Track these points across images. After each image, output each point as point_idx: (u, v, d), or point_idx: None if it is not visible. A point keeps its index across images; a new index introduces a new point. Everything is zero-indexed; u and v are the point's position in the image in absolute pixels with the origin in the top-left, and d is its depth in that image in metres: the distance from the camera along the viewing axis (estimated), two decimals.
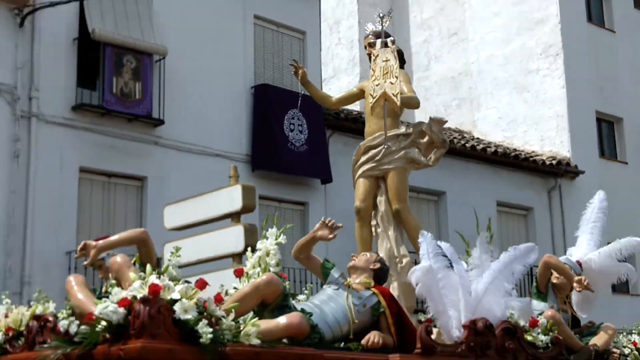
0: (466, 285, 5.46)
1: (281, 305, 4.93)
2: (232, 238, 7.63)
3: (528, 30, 20.84)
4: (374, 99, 6.75)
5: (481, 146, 18.54)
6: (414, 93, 7.15)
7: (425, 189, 17.41)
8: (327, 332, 5.04)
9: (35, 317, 4.79)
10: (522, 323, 5.70)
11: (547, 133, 20.16)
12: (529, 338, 5.70)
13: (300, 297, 6.22)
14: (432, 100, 22.38)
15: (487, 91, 21.44)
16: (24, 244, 12.07)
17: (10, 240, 11.94)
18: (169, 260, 4.39)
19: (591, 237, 7.52)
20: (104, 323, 4.09)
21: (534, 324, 5.81)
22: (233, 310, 4.49)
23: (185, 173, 13.39)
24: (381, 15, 7.36)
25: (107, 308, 4.08)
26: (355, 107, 20.61)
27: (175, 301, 4.10)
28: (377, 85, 6.74)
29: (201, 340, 4.02)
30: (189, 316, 4.08)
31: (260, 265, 5.87)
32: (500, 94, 21.17)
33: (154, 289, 4.05)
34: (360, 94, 7.34)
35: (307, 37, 16.50)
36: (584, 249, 7.43)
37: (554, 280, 6.83)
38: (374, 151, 6.82)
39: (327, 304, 5.23)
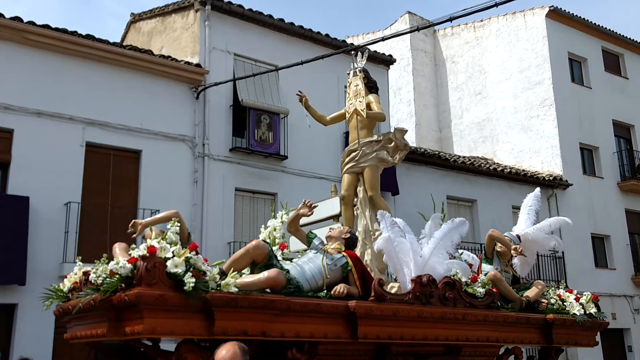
0: (416, 250, 5.06)
1: (268, 264, 4.49)
2: (332, 206, 7.21)
3: (529, 89, 20.34)
4: (349, 114, 6.38)
5: (500, 168, 18.17)
6: (381, 110, 6.46)
7: (463, 198, 17.16)
8: (305, 284, 4.61)
9: (84, 273, 4.47)
10: (463, 279, 5.30)
11: (545, 158, 19.60)
12: (470, 290, 5.31)
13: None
14: (465, 138, 22.07)
15: (502, 131, 20.97)
16: (201, 239, 12.23)
17: (192, 237, 12.19)
18: (169, 228, 4.01)
19: (527, 217, 7.03)
20: (117, 276, 3.80)
21: (474, 280, 5.43)
22: (220, 267, 4.15)
23: (302, 190, 13.51)
24: (353, 53, 6.71)
25: (118, 264, 3.80)
26: (413, 143, 20.55)
27: (168, 258, 3.77)
28: (350, 104, 6.36)
29: (184, 287, 3.69)
30: (178, 270, 3.73)
31: (270, 237, 5.65)
32: (512, 132, 20.68)
33: (151, 250, 3.75)
34: (345, 114, 6.70)
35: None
36: (522, 225, 6.93)
37: (498, 249, 6.35)
38: (353, 154, 6.37)
39: (307, 264, 4.81)
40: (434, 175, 16.66)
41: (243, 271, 4.56)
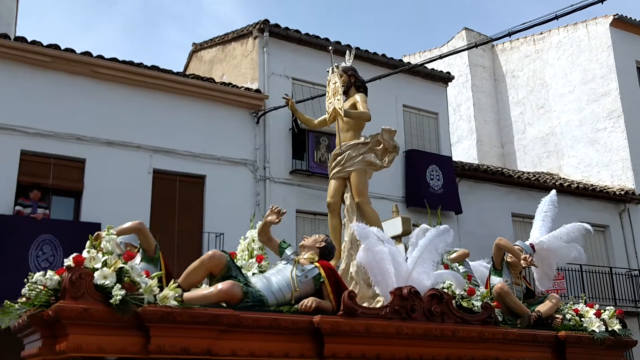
0: (397, 259, 4.56)
1: (226, 276, 4.05)
2: (394, 226, 6.99)
3: (595, 101, 19.66)
4: (329, 115, 5.92)
5: (567, 183, 17.60)
6: (367, 110, 5.90)
7: (528, 215, 16.62)
8: (270, 298, 4.15)
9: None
10: (457, 292, 4.84)
11: (615, 172, 18.81)
12: (464, 304, 4.83)
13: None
14: (529, 153, 21.52)
15: (568, 145, 20.34)
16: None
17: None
18: (104, 237, 3.74)
19: (542, 224, 6.41)
20: (45, 289, 3.50)
21: (471, 292, 4.95)
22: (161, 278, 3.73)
23: None
24: (331, 49, 6.32)
25: (44, 276, 3.52)
26: (475, 160, 20.21)
27: (97, 269, 3.45)
28: (329, 103, 5.89)
29: (110, 300, 3.36)
30: (107, 281, 3.40)
31: (248, 249, 5.30)
32: (578, 146, 20.01)
33: (77, 260, 3.45)
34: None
35: (439, 116, 16.32)
36: (537, 233, 6.33)
37: (508, 259, 5.80)
38: (339, 157, 5.83)
39: (275, 275, 4.37)
40: (498, 193, 16.31)
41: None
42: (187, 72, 15.28)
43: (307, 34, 14.44)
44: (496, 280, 5.64)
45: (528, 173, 18.12)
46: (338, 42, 14.73)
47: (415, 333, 4.34)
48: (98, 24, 41.32)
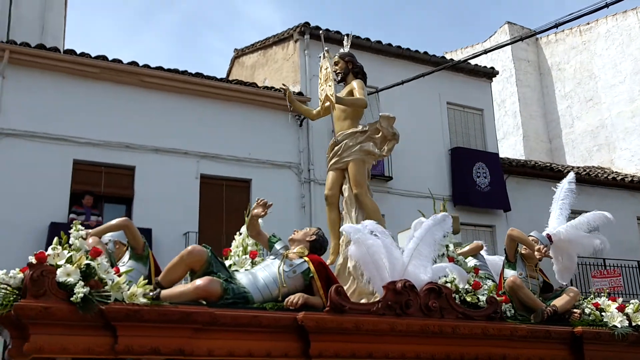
0: (391, 252, 4.25)
1: (207, 272, 3.85)
2: None
3: None
4: (322, 102, 5.66)
5: (620, 177, 17.07)
6: (363, 97, 5.58)
7: (578, 210, 16.18)
8: (256, 295, 3.94)
9: None
10: (461, 286, 4.51)
11: None
12: (469, 299, 4.50)
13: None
14: (578, 147, 20.98)
15: (620, 138, 19.73)
16: None
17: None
18: (70, 232, 3.58)
19: (560, 212, 5.92)
20: (9, 288, 3.35)
21: (476, 286, 4.61)
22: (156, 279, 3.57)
23: (410, 210, 13.24)
24: (321, 33, 6.01)
25: (7, 274, 3.37)
26: (522, 156, 19.81)
27: (60, 266, 3.30)
28: (322, 90, 5.65)
29: (71, 298, 3.20)
30: (69, 279, 3.25)
31: (242, 245, 5.10)
32: (631, 138, 19.39)
33: (38, 256, 3.29)
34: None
35: (484, 113, 16.05)
36: (554, 223, 5.85)
37: (523, 251, 5.39)
38: (336, 148, 5.55)
39: (262, 271, 4.15)
40: (547, 189, 15.77)
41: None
42: (230, 78, 15.48)
43: (347, 35, 14.41)
44: (510, 274, 5.29)
45: (578, 167, 17.64)
46: (379, 42, 14.69)
47: (410, 330, 4.06)
48: (143, 34, 42.35)
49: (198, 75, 12.70)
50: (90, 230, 4.34)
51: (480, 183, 14.77)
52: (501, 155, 16.60)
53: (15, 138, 10.90)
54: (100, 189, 11.36)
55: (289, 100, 5.96)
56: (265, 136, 12.96)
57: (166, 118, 12.10)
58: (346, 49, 5.99)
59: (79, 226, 3.62)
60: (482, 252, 6.30)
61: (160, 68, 12.30)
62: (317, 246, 4.42)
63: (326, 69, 5.64)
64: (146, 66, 12.16)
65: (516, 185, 15.22)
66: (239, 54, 17.23)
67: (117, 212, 11.68)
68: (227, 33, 44.76)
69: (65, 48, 12.32)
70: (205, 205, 12.03)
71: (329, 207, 5.62)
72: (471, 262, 5.87)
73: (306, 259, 4.21)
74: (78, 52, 11.72)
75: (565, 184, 6.08)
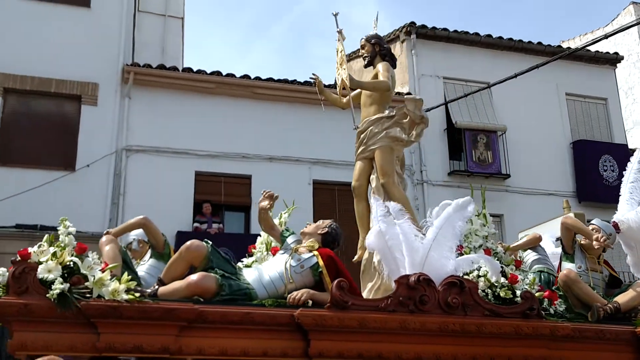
0: (411, 242, 3.87)
1: (207, 268, 3.71)
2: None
3: None
4: (339, 87, 5.36)
5: None
6: (387, 79, 5.22)
7: None
8: (261, 292, 3.74)
9: None
10: (493, 279, 4.01)
11: None
12: (502, 294, 3.97)
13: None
14: None
15: None
16: None
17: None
18: (58, 230, 3.51)
19: (630, 196, 5.00)
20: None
21: (513, 280, 4.07)
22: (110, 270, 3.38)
23: (529, 209, 12.81)
24: (334, 13, 5.53)
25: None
26: None
27: (42, 262, 3.27)
28: (338, 75, 5.34)
29: (47, 295, 3.16)
30: (49, 275, 3.21)
31: (266, 242, 5.05)
32: None
33: (21, 253, 3.28)
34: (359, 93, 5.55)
35: (608, 102, 15.06)
36: (624, 209, 4.97)
37: (582, 242, 4.84)
38: (362, 135, 5.25)
39: (269, 266, 3.95)
40: None
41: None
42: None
43: (455, 31, 14.15)
44: (568, 267, 4.80)
45: None
46: (489, 36, 14.25)
47: (425, 328, 3.69)
48: (253, 47, 44.02)
49: (306, 83, 12.99)
50: (111, 230, 4.39)
51: (607, 177, 13.87)
52: (630, 146, 15.44)
53: (142, 154, 11.77)
54: (221, 198, 11.94)
55: (319, 89, 5.73)
56: None
57: (278, 127, 12.49)
58: (374, 30, 5.62)
59: (67, 222, 3.54)
60: (547, 243, 5.90)
61: (270, 79, 12.74)
62: (329, 239, 4.19)
63: (341, 51, 5.41)
64: (257, 78, 12.64)
65: None
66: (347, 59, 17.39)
67: (237, 220, 12.25)
68: (333, 40, 45.33)
69: (184, 66, 13.10)
70: (319, 210, 12.23)
71: (356, 199, 5.33)
72: (529, 255, 5.62)
73: (315, 252, 3.96)
74: (195, 70, 12.43)
75: (635, 164, 5.18)
